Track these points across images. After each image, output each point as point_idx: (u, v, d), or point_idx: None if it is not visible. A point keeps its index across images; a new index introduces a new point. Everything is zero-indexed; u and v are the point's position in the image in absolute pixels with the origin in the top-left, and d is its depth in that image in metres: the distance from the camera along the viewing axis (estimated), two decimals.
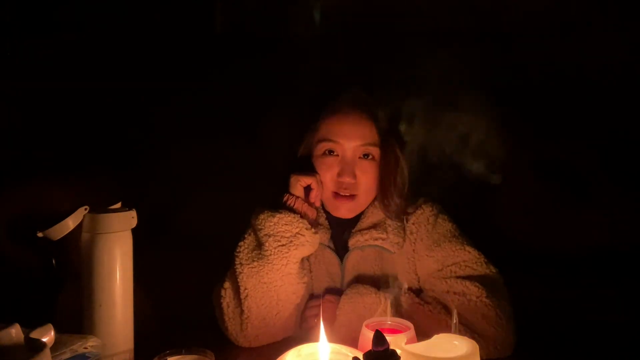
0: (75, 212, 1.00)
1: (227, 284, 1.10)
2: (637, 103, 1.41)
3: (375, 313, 1.02)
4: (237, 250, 1.11)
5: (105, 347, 0.85)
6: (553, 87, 1.45)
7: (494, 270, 1.09)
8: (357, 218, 1.21)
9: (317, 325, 1.07)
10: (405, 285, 1.14)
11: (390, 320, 0.92)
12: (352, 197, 1.17)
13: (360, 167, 1.16)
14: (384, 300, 1.04)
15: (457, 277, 1.07)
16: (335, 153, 1.16)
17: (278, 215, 1.08)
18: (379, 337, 0.67)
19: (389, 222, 1.19)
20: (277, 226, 1.08)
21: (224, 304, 1.08)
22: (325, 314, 1.08)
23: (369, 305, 1.04)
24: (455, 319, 0.86)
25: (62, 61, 1.45)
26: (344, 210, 1.18)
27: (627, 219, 1.42)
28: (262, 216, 1.09)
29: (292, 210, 1.11)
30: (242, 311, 1.06)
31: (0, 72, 1.41)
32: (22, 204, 1.13)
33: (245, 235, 1.13)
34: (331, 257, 1.19)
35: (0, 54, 1.41)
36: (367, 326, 0.89)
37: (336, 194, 1.17)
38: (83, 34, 1.48)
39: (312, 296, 1.18)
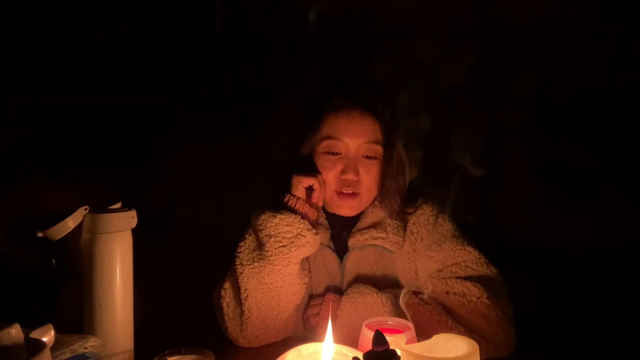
0: (75, 212, 1.00)
1: (227, 284, 1.10)
2: (637, 103, 1.41)
3: (376, 313, 1.02)
4: (238, 251, 1.11)
5: (105, 347, 0.85)
6: (553, 87, 1.45)
7: (494, 271, 1.09)
8: (357, 218, 1.21)
9: (318, 324, 1.07)
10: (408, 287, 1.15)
11: (390, 320, 0.92)
12: (354, 194, 1.17)
13: (364, 165, 1.16)
14: (386, 302, 1.04)
15: (458, 278, 1.07)
16: (338, 152, 1.16)
17: (279, 216, 1.08)
18: (379, 337, 0.67)
19: (388, 221, 1.19)
20: (278, 227, 1.07)
21: (224, 304, 1.08)
22: (326, 313, 1.08)
23: (371, 305, 1.04)
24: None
25: (62, 62, 1.45)
26: (347, 209, 1.18)
27: (627, 219, 1.42)
28: (263, 217, 1.09)
29: (293, 211, 1.10)
30: (242, 312, 1.06)
31: (1, 74, 1.41)
32: (22, 204, 1.13)
33: (246, 236, 1.13)
34: (331, 256, 1.19)
35: (1, 56, 1.41)
36: (367, 326, 0.89)
37: (339, 192, 1.17)
38: (82, 35, 1.48)
39: (312, 296, 1.18)
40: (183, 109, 1.51)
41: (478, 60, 1.45)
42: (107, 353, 0.88)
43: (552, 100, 1.45)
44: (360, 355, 0.68)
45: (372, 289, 1.07)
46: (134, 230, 0.95)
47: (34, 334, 0.70)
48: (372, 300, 1.05)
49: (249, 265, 1.08)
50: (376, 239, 1.17)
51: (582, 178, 1.46)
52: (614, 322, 1.15)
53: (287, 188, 1.14)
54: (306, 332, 1.12)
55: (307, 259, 1.17)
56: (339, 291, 1.15)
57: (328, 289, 1.17)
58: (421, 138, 1.23)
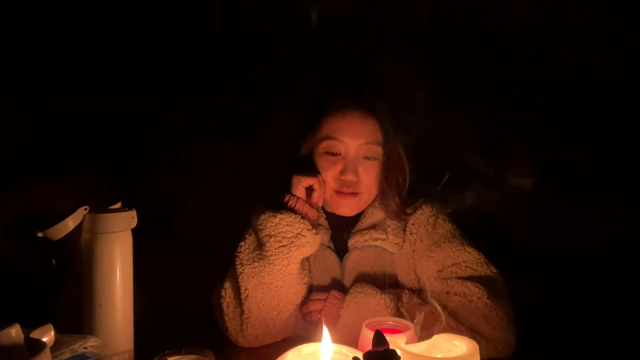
0: (75, 212, 1.00)
1: (227, 284, 1.10)
2: (637, 103, 1.41)
3: (379, 314, 1.02)
4: (238, 251, 1.11)
5: (105, 347, 0.85)
6: (553, 87, 1.45)
7: (494, 271, 1.09)
8: (357, 218, 1.21)
9: (321, 321, 1.07)
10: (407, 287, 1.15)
11: (390, 320, 0.92)
12: (354, 194, 1.16)
13: (363, 166, 1.15)
14: (389, 303, 1.04)
15: (458, 278, 1.07)
16: (338, 152, 1.16)
17: (279, 216, 1.08)
18: (379, 337, 0.67)
19: (388, 222, 1.19)
20: (278, 227, 1.07)
21: (224, 304, 1.08)
22: (329, 311, 1.08)
23: (374, 306, 1.04)
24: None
25: (62, 62, 1.45)
26: (346, 208, 1.18)
27: (627, 219, 1.42)
28: (263, 217, 1.09)
29: (293, 211, 1.10)
30: (242, 311, 1.06)
31: (1, 74, 1.41)
32: (22, 204, 1.13)
33: (246, 236, 1.13)
34: (331, 257, 1.19)
35: (1, 56, 1.41)
36: (367, 326, 0.89)
37: (338, 192, 1.16)
38: (82, 35, 1.48)
39: (312, 288, 1.17)
40: (183, 109, 1.51)
41: (478, 60, 1.45)
42: (107, 353, 0.88)
43: (552, 100, 1.45)
44: (360, 355, 0.68)
45: (375, 289, 1.07)
46: (134, 230, 0.95)
47: (34, 334, 0.70)
48: (375, 301, 1.05)
49: (249, 265, 1.07)
50: (376, 240, 1.17)
51: (582, 178, 1.46)
52: (614, 322, 1.14)
53: (287, 188, 1.14)
54: (306, 331, 1.11)
55: (307, 259, 1.17)
56: (340, 291, 1.14)
57: (328, 289, 1.17)
58: (421, 138, 1.23)
